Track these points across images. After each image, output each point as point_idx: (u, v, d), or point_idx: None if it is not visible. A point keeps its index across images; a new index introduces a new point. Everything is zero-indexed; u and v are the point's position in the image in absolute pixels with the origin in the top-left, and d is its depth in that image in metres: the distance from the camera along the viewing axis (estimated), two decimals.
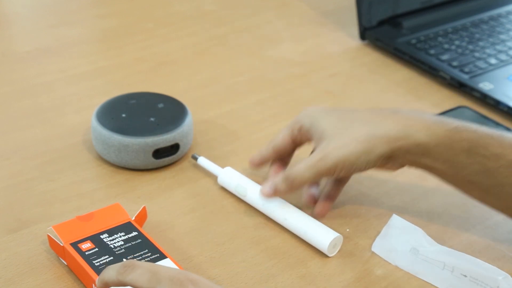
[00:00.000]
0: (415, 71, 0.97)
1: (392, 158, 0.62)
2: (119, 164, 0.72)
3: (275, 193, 0.64)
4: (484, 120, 0.84)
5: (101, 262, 0.57)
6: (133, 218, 0.62)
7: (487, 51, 0.99)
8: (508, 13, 1.11)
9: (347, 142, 0.61)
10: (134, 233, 0.60)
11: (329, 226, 0.66)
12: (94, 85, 0.89)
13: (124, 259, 0.57)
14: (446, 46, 0.99)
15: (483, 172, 0.60)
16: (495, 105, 0.87)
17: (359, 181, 0.72)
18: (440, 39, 1.01)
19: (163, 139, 0.71)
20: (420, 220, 0.68)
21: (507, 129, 0.82)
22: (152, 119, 0.73)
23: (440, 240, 0.66)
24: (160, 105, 0.75)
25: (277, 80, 0.92)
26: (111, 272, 0.49)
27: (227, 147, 0.78)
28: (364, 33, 1.03)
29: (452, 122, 0.61)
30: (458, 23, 1.06)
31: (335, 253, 0.63)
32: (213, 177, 0.71)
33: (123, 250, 0.59)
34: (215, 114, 0.83)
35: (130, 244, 0.59)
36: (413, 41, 1.00)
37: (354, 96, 0.90)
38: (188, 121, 0.74)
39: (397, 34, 1.02)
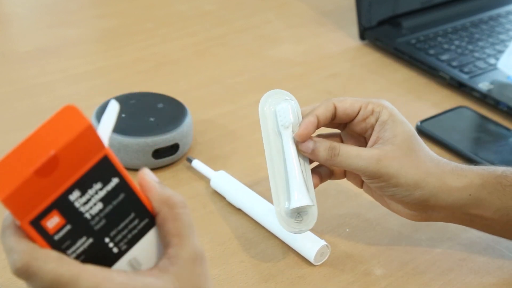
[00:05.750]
0: (415, 71, 0.97)
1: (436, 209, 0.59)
2: None
3: (312, 153, 0.58)
4: (484, 120, 0.85)
5: (77, 252, 0.39)
6: (107, 144, 0.40)
7: (487, 51, 0.99)
8: (508, 13, 1.11)
9: (409, 169, 0.57)
10: (115, 181, 0.40)
11: (328, 226, 0.66)
12: (94, 85, 0.89)
13: (107, 239, 0.40)
14: (445, 46, 0.99)
15: None
16: (495, 105, 0.87)
17: None
18: (439, 39, 1.01)
19: (163, 139, 0.71)
20: None
21: (507, 129, 0.83)
22: (151, 119, 0.73)
23: (440, 240, 0.66)
24: (160, 105, 0.75)
25: (277, 80, 0.92)
26: None
27: (226, 147, 0.78)
28: (364, 33, 1.03)
29: (498, 169, 0.59)
30: (458, 23, 1.06)
31: (326, 258, 0.63)
32: None
33: (103, 221, 0.40)
34: (215, 114, 0.83)
35: (111, 206, 0.40)
36: (413, 41, 1.00)
37: (354, 96, 0.90)
38: (188, 121, 0.74)
39: (397, 34, 1.02)
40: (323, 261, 0.62)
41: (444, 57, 0.96)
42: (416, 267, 0.63)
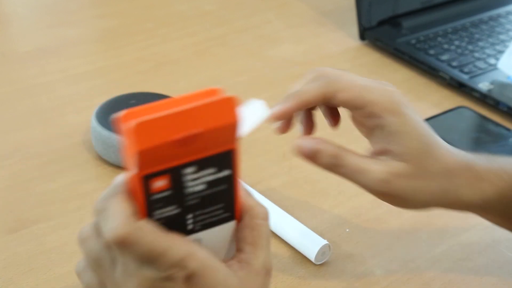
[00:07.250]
0: (415, 71, 0.97)
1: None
2: (119, 164, 0.72)
3: (313, 155, 0.52)
4: (484, 120, 0.85)
5: (161, 216, 0.40)
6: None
7: (487, 51, 0.99)
8: (508, 13, 1.11)
9: (421, 189, 0.52)
10: (226, 173, 0.43)
11: (329, 226, 0.66)
12: (94, 85, 0.89)
13: (190, 215, 0.42)
14: (445, 46, 0.99)
15: None
16: (495, 105, 0.87)
17: None
18: (439, 39, 1.01)
19: None
20: (420, 220, 0.68)
21: (507, 129, 0.83)
22: None
23: (440, 240, 0.66)
24: None
25: (277, 80, 0.92)
26: None
27: None
28: (364, 33, 1.03)
29: None
30: (458, 23, 1.06)
31: (327, 258, 0.63)
32: None
33: (196, 200, 0.41)
34: None
35: (210, 191, 0.42)
36: (413, 41, 1.00)
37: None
38: None
39: (397, 34, 1.02)
40: (324, 260, 0.62)
41: (444, 57, 0.96)
42: (416, 267, 0.63)
